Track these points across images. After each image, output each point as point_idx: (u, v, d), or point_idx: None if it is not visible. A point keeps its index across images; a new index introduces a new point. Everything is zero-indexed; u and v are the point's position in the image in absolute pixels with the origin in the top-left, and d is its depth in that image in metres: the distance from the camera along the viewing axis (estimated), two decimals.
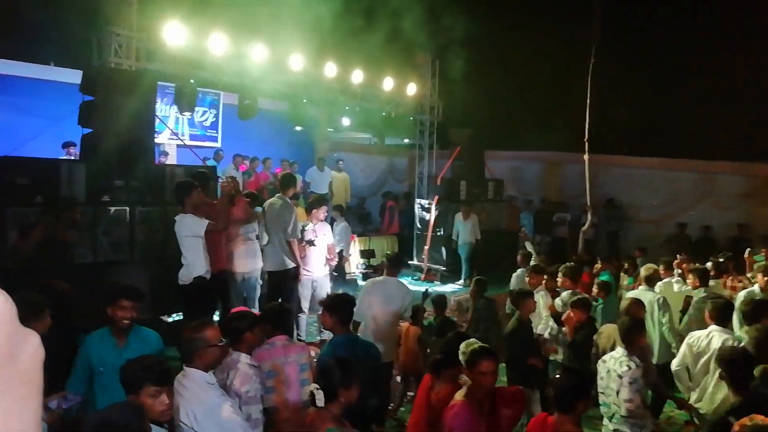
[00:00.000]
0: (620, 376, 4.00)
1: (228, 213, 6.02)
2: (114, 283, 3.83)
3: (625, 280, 8.13)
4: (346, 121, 12.75)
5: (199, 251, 5.62)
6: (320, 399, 2.85)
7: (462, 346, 3.46)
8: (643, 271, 6.23)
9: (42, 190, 6.46)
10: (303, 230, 7.06)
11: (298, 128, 11.63)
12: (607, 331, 5.13)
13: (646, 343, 4.83)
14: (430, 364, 3.92)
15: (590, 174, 11.67)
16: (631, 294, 6.01)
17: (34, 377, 0.82)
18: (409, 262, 12.14)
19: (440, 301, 6.30)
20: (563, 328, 5.51)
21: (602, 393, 4.18)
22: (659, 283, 6.40)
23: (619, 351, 4.19)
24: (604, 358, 4.31)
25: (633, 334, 4.19)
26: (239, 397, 3.32)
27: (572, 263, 6.50)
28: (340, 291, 5.01)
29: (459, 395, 3.35)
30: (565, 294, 5.88)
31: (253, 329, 3.65)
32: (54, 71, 10.41)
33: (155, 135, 8.74)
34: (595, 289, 6.84)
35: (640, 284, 6.23)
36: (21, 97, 10.04)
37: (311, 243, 6.98)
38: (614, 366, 4.10)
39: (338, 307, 4.12)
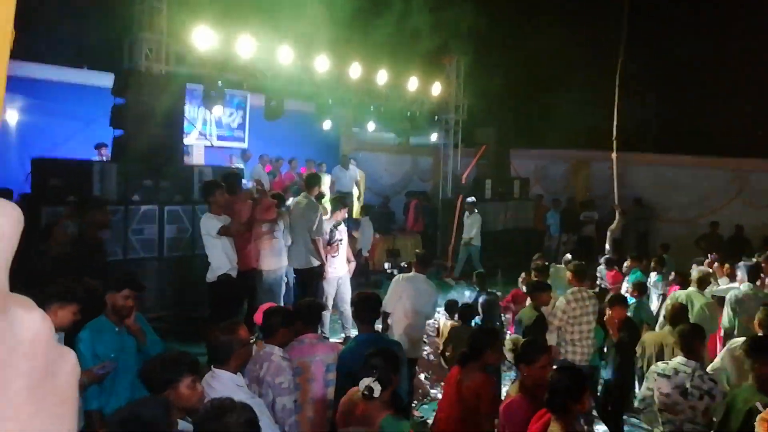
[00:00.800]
0: (710, 395, 3.70)
1: (245, 214, 6.12)
2: (126, 275, 3.87)
3: (653, 277, 8.00)
4: (371, 126, 12.76)
5: (218, 250, 5.74)
6: (378, 390, 2.85)
7: (509, 341, 3.45)
8: (695, 273, 6.11)
9: (75, 191, 6.63)
10: (334, 229, 7.12)
11: (325, 128, 11.68)
12: (651, 337, 5.00)
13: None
14: (458, 356, 3.90)
15: (618, 172, 11.47)
16: (680, 296, 5.89)
17: (71, 395, 0.80)
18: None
19: (493, 301, 6.31)
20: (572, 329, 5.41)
21: (663, 411, 3.84)
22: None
23: (681, 360, 3.87)
24: (664, 370, 3.91)
25: (694, 341, 3.92)
26: (272, 388, 3.34)
27: (580, 261, 6.38)
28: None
29: (513, 390, 3.33)
30: (569, 292, 5.64)
31: (288, 325, 3.71)
32: (87, 75, 10.66)
33: (184, 136, 8.89)
34: (627, 287, 6.75)
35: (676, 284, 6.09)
36: (55, 101, 10.30)
37: (340, 242, 7.07)
38: (694, 382, 3.76)
39: (362, 305, 4.13)
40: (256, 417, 2.29)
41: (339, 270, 7.13)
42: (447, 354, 5.77)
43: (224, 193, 5.89)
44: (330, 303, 7.15)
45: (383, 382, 2.89)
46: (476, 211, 11.30)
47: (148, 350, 3.75)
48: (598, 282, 7.70)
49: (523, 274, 6.70)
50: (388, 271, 10.78)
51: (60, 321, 3.25)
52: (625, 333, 5.18)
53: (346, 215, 7.42)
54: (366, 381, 2.88)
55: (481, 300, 6.42)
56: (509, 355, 3.42)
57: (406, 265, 10.22)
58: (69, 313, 3.29)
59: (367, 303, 4.14)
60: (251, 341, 3.21)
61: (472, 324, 5.92)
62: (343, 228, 7.23)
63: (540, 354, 3.37)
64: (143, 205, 7.18)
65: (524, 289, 6.41)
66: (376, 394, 2.86)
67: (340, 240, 7.11)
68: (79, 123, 10.16)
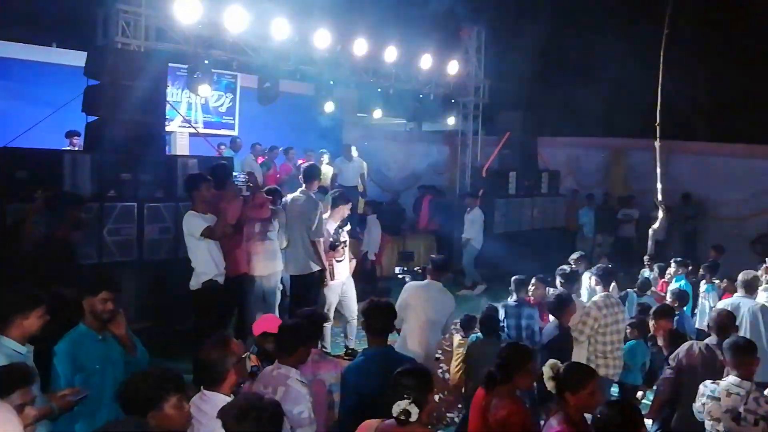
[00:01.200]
0: (767, 421, 3.68)
1: (234, 213, 6.14)
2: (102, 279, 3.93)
3: (703, 287, 7.95)
4: (378, 111, 12.78)
5: (202, 253, 5.77)
6: (415, 413, 2.91)
7: (549, 366, 3.41)
8: (741, 275, 6.08)
9: (43, 185, 6.67)
10: (340, 230, 7.15)
11: (325, 112, 11.72)
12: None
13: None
14: (485, 377, 3.88)
15: (661, 163, 11.42)
16: (723, 303, 5.86)
17: None
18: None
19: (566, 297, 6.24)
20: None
21: None
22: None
23: (733, 380, 3.86)
24: (714, 392, 3.93)
25: (746, 356, 3.91)
26: (289, 419, 3.25)
27: (607, 265, 6.41)
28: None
29: (556, 421, 3.28)
30: (598, 297, 5.72)
31: (307, 343, 3.74)
32: (55, 53, 10.73)
33: (166, 123, 8.94)
34: (669, 298, 6.72)
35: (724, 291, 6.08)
36: (19, 82, 10.38)
37: (345, 245, 7.12)
38: (748, 406, 3.75)
39: (375, 315, 4.14)
40: None
41: (342, 275, 7.17)
42: (457, 373, 5.78)
43: (211, 187, 5.90)
44: (332, 313, 7.19)
45: (420, 404, 2.93)
46: (478, 206, 11.30)
47: (138, 361, 3.82)
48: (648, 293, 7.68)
49: (533, 280, 6.52)
50: (399, 276, 10.80)
51: (27, 331, 3.36)
52: (673, 348, 5.18)
53: (349, 212, 7.41)
54: (401, 404, 2.91)
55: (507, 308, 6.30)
56: (549, 384, 3.37)
57: (420, 271, 10.25)
58: (35, 320, 3.38)
59: (381, 313, 4.15)
60: (244, 357, 3.22)
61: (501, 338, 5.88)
62: (348, 228, 7.28)
63: (588, 379, 3.34)
64: (120, 202, 7.23)
65: (532, 298, 6.37)
66: (414, 417, 2.91)
67: (345, 242, 7.15)
68: (46, 108, 10.16)
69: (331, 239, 7.10)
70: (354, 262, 7.56)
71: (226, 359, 3.05)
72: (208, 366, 3.05)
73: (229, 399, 3.02)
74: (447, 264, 5.95)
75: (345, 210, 7.23)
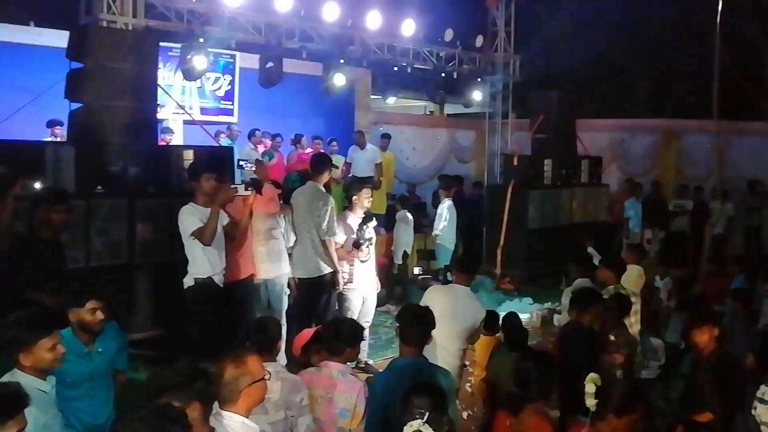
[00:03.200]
0: None
1: (238, 212, 6.21)
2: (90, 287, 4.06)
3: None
4: (394, 85, 12.82)
5: (197, 251, 5.88)
6: None
7: (591, 381, 3.40)
8: None
9: (23, 179, 6.78)
10: (365, 226, 7.19)
11: (335, 93, 11.77)
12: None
13: None
14: (505, 398, 3.92)
15: (720, 147, 11.35)
16: None
17: None
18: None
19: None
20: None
21: None
22: None
23: None
24: (764, 394, 3.99)
25: None
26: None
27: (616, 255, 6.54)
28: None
29: None
30: (611, 289, 6.02)
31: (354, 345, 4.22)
32: (33, 33, 10.84)
33: (158, 109, 9.03)
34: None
35: None
36: None
37: (370, 242, 7.15)
38: None
39: (410, 321, 4.23)
40: None
41: (368, 280, 7.21)
42: (481, 381, 5.80)
43: (212, 179, 6.01)
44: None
45: (434, 424, 2.97)
46: (449, 197, 11.18)
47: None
48: None
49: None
50: (420, 278, 10.87)
51: (40, 362, 3.29)
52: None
53: (368, 204, 7.41)
54: (414, 425, 2.96)
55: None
56: (590, 402, 3.35)
57: (433, 277, 10.30)
58: (43, 350, 3.34)
59: (418, 320, 4.23)
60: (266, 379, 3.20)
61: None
62: (374, 224, 7.33)
63: (639, 403, 3.33)
64: (109, 198, 7.32)
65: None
66: None
67: (371, 240, 7.16)
68: (25, 95, 10.32)
69: (354, 236, 7.11)
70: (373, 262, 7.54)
71: (240, 379, 3.07)
72: (218, 384, 3.05)
73: (246, 420, 3.08)
74: (473, 264, 5.99)
75: (364, 198, 7.21)
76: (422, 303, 5.53)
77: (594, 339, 5.43)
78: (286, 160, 12.00)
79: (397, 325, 4.32)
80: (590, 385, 3.38)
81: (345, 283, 7.11)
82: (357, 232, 7.13)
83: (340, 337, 4.28)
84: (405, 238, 10.28)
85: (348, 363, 4.33)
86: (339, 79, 11.34)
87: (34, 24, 11.03)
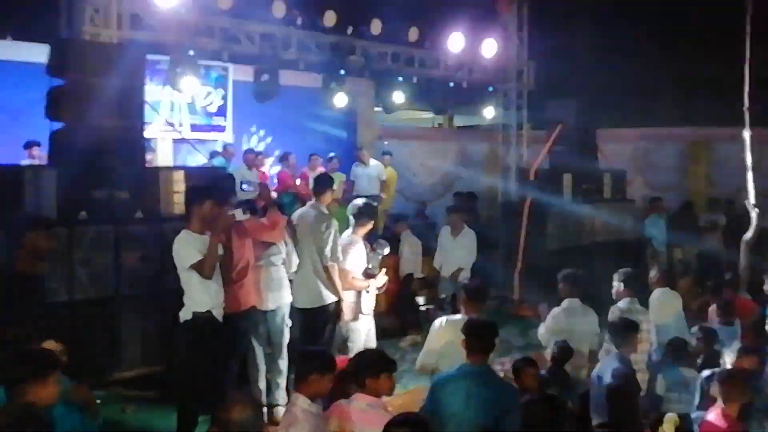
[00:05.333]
0: None
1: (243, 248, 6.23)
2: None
3: None
4: (399, 97, 12.83)
5: (194, 282, 5.87)
6: None
7: (670, 423, 3.48)
8: None
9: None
10: (377, 253, 7.20)
11: (336, 108, 11.81)
12: None
13: None
14: None
15: (754, 157, 11.31)
16: None
17: None
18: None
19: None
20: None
21: None
22: None
23: None
24: None
25: None
26: None
27: (632, 269, 6.99)
28: None
29: None
30: (622, 303, 6.44)
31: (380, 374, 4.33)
32: (11, 47, 10.91)
33: (145, 127, 9.06)
34: None
35: None
36: None
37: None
38: None
39: (473, 333, 4.60)
40: None
41: (370, 308, 7.20)
42: None
43: (215, 206, 6.02)
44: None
45: None
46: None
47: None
48: None
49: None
50: (422, 308, 10.79)
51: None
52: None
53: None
54: None
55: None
56: None
57: (438, 307, 10.20)
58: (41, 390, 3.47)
59: (482, 332, 4.66)
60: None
61: None
62: (386, 251, 7.36)
63: None
64: (93, 225, 7.31)
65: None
66: None
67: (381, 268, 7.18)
68: (2, 114, 10.42)
69: (368, 265, 7.11)
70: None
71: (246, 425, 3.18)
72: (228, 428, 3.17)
73: None
74: (484, 292, 5.93)
75: (368, 226, 7.24)
76: (430, 338, 5.53)
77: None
78: (276, 179, 11.94)
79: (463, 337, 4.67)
80: (669, 427, 3.48)
81: (355, 316, 7.07)
82: (370, 256, 7.12)
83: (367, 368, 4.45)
84: (415, 256, 10.30)
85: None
86: (340, 99, 11.41)
87: (11, 38, 11.08)
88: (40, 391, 3.40)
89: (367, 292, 7.08)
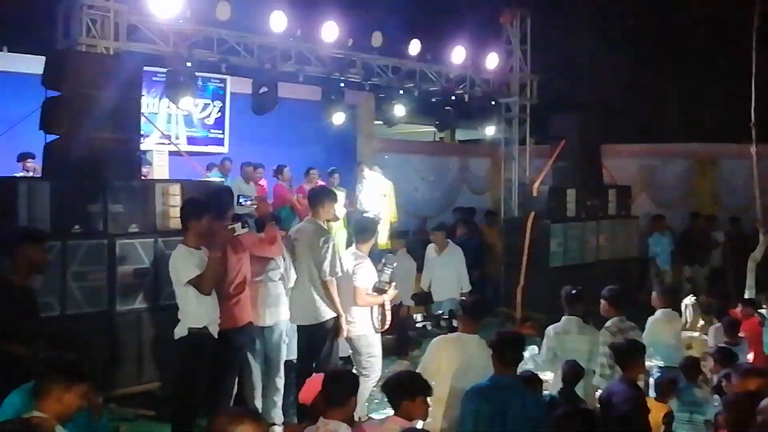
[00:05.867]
0: None
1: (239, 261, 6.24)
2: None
3: None
4: (399, 111, 12.88)
5: (191, 298, 5.87)
6: None
7: None
8: None
9: None
10: (387, 265, 7.22)
11: (335, 123, 11.85)
12: None
13: None
14: None
15: (760, 173, 11.34)
16: None
17: None
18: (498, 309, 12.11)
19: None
20: None
21: None
22: None
23: None
24: None
25: None
26: None
27: (615, 289, 7.00)
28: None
29: None
30: (611, 323, 6.58)
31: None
32: (7, 59, 10.97)
33: (141, 140, 9.09)
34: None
35: None
36: None
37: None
38: None
39: (501, 347, 4.72)
40: None
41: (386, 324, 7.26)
42: None
43: (212, 220, 6.03)
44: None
45: None
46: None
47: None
48: None
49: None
50: (419, 325, 10.76)
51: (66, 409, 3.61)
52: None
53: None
54: None
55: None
56: None
57: (435, 324, 10.15)
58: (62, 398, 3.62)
59: (509, 345, 4.79)
60: None
61: None
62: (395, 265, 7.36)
63: None
64: (87, 239, 7.33)
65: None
66: None
67: (391, 282, 7.19)
68: None
69: (379, 281, 7.13)
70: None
71: None
72: None
73: None
74: (481, 308, 5.93)
75: (371, 243, 7.28)
76: (426, 358, 5.52)
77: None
78: (273, 193, 11.97)
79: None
80: None
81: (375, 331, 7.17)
82: (380, 272, 7.14)
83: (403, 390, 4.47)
84: (409, 276, 10.25)
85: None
86: (338, 118, 11.47)
87: (7, 49, 11.16)
88: (65, 398, 3.58)
89: (383, 306, 7.12)
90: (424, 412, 4.47)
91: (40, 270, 5.77)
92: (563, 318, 6.75)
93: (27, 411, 3.55)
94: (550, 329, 6.71)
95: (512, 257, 12.29)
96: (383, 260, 7.27)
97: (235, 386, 6.65)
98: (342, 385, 4.26)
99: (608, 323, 6.67)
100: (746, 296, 9.69)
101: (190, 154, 11.41)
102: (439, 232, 10.38)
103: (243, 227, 6.22)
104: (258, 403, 6.83)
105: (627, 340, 5.91)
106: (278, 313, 6.88)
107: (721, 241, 13.68)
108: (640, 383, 5.81)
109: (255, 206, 6.78)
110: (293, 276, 6.96)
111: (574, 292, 6.83)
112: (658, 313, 7.63)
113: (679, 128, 15.99)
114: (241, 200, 6.94)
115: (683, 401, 6.25)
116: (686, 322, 9.12)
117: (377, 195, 12.24)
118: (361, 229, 7.35)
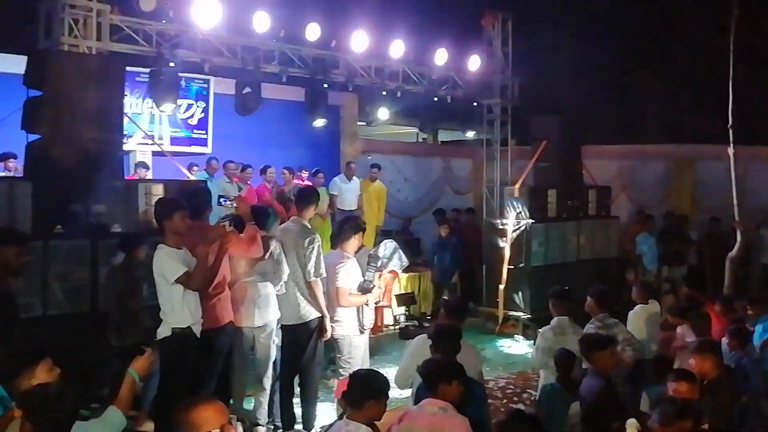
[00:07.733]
0: None
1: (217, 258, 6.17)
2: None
3: None
4: (383, 113, 12.87)
5: (174, 298, 5.80)
6: None
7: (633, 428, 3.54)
8: None
9: None
10: (376, 263, 7.16)
11: (318, 124, 11.83)
12: None
13: None
14: None
15: (737, 174, 11.43)
16: None
17: None
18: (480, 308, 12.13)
19: None
20: None
21: None
22: None
23: None
24: None
25: None
26: None
27: (602, 287, 7.19)
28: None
29: None
30: (595, 319, 6.67)
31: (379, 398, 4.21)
32: None
33: (124, 140, 9.02)
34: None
35: None
36: None
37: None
38: None
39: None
40: None
41: (370, 324, 7.22)
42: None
43: (186, 217, 5.95)
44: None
45: None
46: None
47: None
48: None
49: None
50: (402, 326, 10.75)
51: None
52: (717, 395, 5.24)
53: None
54: None
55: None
56: None
57: (416, 324, 10.13)
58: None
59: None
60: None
61: None
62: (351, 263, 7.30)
63: None
64: (69, 239, 7.27)
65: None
66: None
67: (378, 285, 7.13)
68: None
69: (364, 280, 7.03)
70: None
71: (201, 427, 3.09)
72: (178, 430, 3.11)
73: None
74: (465, 307, 5.93)
75: (357, 241, 7.20)
76: (408, 357, 5.50)
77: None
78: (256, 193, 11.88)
79: None
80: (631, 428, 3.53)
81: (361, 332, 7.06)
82: (368, 271, 7.09)
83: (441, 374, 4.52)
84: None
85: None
86: (320, 123, 11.45)
87: None
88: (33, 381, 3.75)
89: (367, 305, 7.06)
90: (459, 395, 4.44)
91: (17, 273, 5.67)
92: (555, 319, 6.72)
93: None
94: (547, 330, 6.65)
95: (493, 256, 12.31)
96: (369, 259, 7.23)
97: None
98: (361, 387, 4.20)
99: (593, 321, 6.70)
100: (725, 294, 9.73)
101: (174, 154, 11.35)
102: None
103: (229, 227, 6.15)
104: (243, 403, 6.80)
105: (589, 335, 6.00)
106: (268, 313, 6.83)
107: (695, 240, 13.78)
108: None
109: (235, 206, 6.70)
110: (286, 271, 6.81)
111: (563, 292, 6.86)
112: (638, 308, 7.74)
113: (659, 130, 16.09)
114: (221, 200, 6.86)
115: (653, 398, 6.26)
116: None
117: (355, 196, 12.26)
118: (340, 228, 7.31)
